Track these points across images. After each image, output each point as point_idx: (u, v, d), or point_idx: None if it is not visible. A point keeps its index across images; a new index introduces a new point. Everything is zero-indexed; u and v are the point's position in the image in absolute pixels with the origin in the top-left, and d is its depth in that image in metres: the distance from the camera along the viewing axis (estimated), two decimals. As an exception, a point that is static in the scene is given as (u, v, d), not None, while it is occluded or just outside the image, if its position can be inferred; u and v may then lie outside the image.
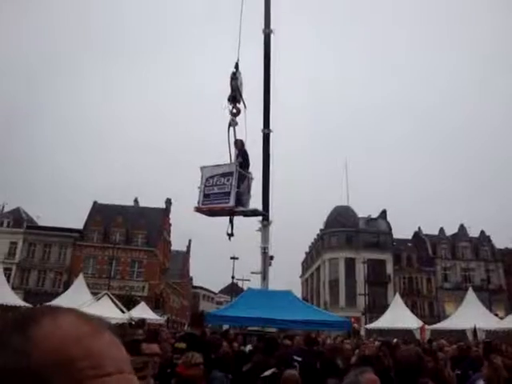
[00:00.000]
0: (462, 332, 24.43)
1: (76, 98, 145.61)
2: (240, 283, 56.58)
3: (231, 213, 13.20)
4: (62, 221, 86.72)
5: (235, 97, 13.70)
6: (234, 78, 13.70)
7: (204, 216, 13.62)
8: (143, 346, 3.16)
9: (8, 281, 35.43)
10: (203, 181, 13.10)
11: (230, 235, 13.74)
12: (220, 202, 12.68)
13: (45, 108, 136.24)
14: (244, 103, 14.17)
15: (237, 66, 14.03)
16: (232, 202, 12.38)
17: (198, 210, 13.16)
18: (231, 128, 13.65)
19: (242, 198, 12.85)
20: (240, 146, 13.41)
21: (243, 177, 13.06)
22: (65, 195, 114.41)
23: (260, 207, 13.79)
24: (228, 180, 12.64)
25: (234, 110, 13.73)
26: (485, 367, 6.51)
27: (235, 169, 12.70)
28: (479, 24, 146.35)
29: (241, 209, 12.77)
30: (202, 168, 13.31)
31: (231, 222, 13.76)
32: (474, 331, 22.05)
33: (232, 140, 13.54)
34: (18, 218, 54.63)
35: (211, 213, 13.48)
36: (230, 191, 12.48)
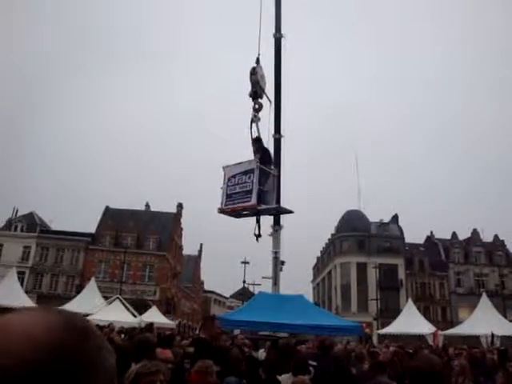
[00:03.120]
0: (476, 338, 24.10)
1: (89, 102, 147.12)
2: (251, 288, 56.53)
3: (256, 212, 12.67)
4: (75, 225, 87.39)
5: (256, 92, 13.35)
6: (254, 72, 13.31)
7: (227, 217, 13.07)
8: (158, 351, 3.15)
9: (22, 284, 35.77)
10: (225, 181, 12.64)
11: (258, 236, 13.29)
12: (242, 201, 12.12)
13: (57, 112, 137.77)
14: (268, 97, 13.91)
15: (258, 61, 13.73)
16: (254, 200, 11.80)
17: (221, 211, 12.71)
18: (254, 124, 13.24)
19: (266, 195, 12.31)
20: (256, 143, 13.01)
21: (266, 174, 12.50)
22: (77, 199, 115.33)
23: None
24: (250, 178, 12.07)
25: (256, 106, 13.37)
26: (499, 377, 6.38)
27: (256, 165, 12.10)
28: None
29: (263, 207, 12.16)
30: (225, 167, 12.87)
31: (258, 222, 13.32)
32: (492, 338, 21.74)
33: (255, 136, 13.16)
34: (31, 223, 55.24)
35: (235, 213, 12.94)
36: (251, 189, 11.91)
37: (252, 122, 13.25)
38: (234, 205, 12.32)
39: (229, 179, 12.56)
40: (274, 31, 15.29)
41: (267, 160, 12.81)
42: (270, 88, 14.39)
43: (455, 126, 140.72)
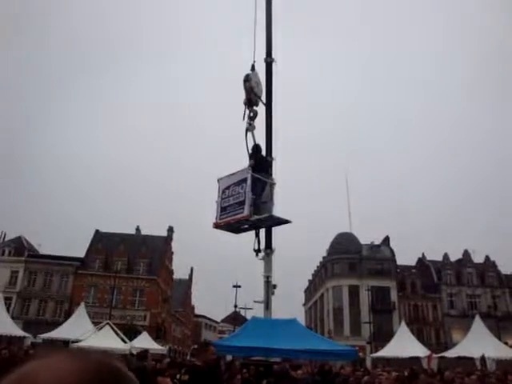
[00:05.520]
0: (471, 361, 23.87)
1: (78, 123, 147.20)
2: (243, 312, 55.97)
3: (254, 226, 12.02)
4: (64, 249, 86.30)
5: (250, 99, 12.98)
6: (247, 79, 12.93)
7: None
8: (159, 380, 3.05)
9: (8, 310, 35.08)
10: (219, 193, 12.06)
11: (257, 251, 12.63)
12: (235, 213, 11.43)
13: (45, 134, 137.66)
14: (262, 102, 13.58)
15: (253, 67, 13.49)
16: (246, 211, 11.06)
17: (216, 226, 12.05)
18: (249, 133, 12.78)
19: (263, 206, 11.56)
20: (253, 152, 12.44)
21: (262, 183, 11.83)
22: (67, 223, 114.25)
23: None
24: (242, 188, 11.41)
25: (251, 114, 12.97)
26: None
27: (248, 174, 11.42)
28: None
29: (255, 217, 11.28)
30: (219, 180, 12.29)
31: (257, 236, 12.71)
32: (483, 360, 21.54)
33: (250, 146, 12.66)
34: (19, 247, 54.43)
35: (232, 228, 12.21)
36: (244, 200, 11.23)
37: (247, 130, 12.82)
38: (228, 218, 11.66)
39: (223, 191, 12.00)
40: (264, 56, 15.35)
41: (263, 168, 12.19)
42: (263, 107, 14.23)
43: (445, 149, 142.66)
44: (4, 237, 55.63)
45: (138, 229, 60.90)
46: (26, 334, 29.58)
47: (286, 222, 12.10)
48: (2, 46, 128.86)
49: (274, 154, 14.05)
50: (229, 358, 14.84)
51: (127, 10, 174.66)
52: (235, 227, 12.13)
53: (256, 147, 12.64)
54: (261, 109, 13.93)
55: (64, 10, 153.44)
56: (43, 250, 56.97)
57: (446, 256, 59.29)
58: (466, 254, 58.70)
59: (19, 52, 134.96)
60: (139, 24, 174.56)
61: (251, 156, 12.35)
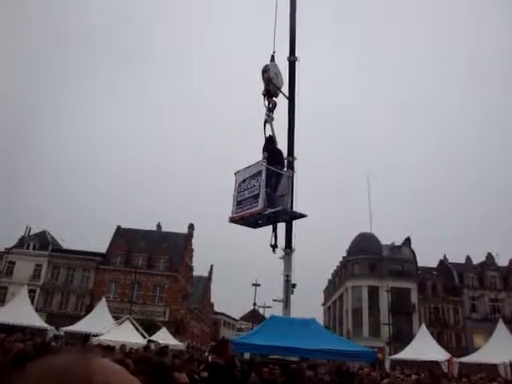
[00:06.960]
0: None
1: (102, 122, 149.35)
2: (261, 310, 56.07)
3: (272, 220, 11.79)
4: (87, 244, 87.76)
5: (269, 90, 12.83)
6: (266, 70, 12.85)
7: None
8: (175, 376, 3.11)
9: (32, 303, 35.85)
10: (236, 187, 11.86)
11: (274, 247, 12.50)
12: (250, 207, 11.16)
13: (69, 134, 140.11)
14: (283, 94, 13.49)
15: (272, 58, 13.43)
16: (260, 205, 10.73)
17: (231, 220, 11.84)
18: (267, 125, 12.61)
19: (279, 200, 11.30)
20: (268, 143, 12.19)
21: (277, 175, 11.58)
22: (89, 220, 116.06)
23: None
24: (257, 181, 11.10)
25: (270, 105, 12.82)
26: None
27: (262, 167, 11.11)
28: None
29: (268, 211, 10.90)
30: (236, 173, 12.08)
31: (274, 231, 12.54)
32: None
33: (267, 136, 12.51)
34: (43, 241, 55.64)
35: (249, 222, 11.93)
36: (258, 193, 10.95)
37: (265, 122, 12.65)
38: (243, 212, 11.39)
39: (239, 185, 11.80)
40: (288, 54, 15.26)
41: (279, 161, 12.00)
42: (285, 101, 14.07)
43: (470, 150, 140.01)
44: (29, 231, 56.88)
45: (158, 225, 61.62)
46: (49, 327, 30.23)
47: (301, 216, 11.85)
48: (22, 44, 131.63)
49: (295, 153, 14.00)
50: (246, 356, 14.90)
51: (151, 10, 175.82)
52: (252, 221, 11.86)
53: (270, 138, 12.44)
54: (282, 103, 13.90)
55: (88, 9, 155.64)
56: (66, 245, 58.15)
57: (468, 258, 58.21)
58: (490, 256, 57.51)
59: (40, 49, 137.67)
60: (163, 27, 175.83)
61: (265, 148, 12.10)
